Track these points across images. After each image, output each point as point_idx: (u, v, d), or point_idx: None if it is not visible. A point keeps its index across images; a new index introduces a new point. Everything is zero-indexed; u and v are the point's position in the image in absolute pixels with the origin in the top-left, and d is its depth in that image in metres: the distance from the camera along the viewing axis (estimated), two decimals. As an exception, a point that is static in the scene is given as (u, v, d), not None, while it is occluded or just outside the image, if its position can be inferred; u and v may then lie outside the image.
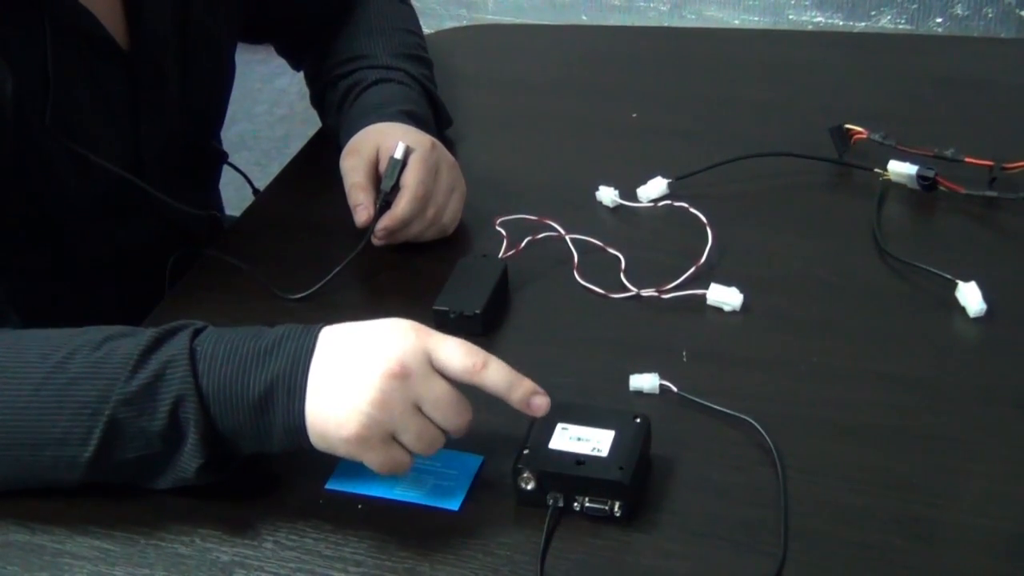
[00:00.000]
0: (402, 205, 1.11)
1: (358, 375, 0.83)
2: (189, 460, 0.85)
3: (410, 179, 1.11)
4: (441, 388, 0.84)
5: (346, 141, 1.18)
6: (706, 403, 0.94)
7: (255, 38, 1.36)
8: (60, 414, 0.85)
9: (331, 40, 1.33)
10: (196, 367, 0.85)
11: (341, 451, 0.85)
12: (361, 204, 1.13)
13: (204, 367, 0.85)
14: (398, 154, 1.12)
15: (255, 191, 1.34)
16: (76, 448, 0.85)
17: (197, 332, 0.87)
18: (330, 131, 1.31)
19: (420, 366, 0.83)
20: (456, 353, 0.84)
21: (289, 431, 0.85)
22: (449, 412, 0.84)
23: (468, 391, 0.85)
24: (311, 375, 0.84)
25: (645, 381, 0.96)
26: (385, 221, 1.12)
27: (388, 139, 1.14)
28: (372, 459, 0.84)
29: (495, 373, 0.85)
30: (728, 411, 0.93)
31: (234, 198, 1.44)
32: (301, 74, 1.40)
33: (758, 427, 0.91)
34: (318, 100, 1.34)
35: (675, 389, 0.96)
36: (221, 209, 1.42)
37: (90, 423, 0.84)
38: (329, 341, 0.85)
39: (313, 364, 0.84)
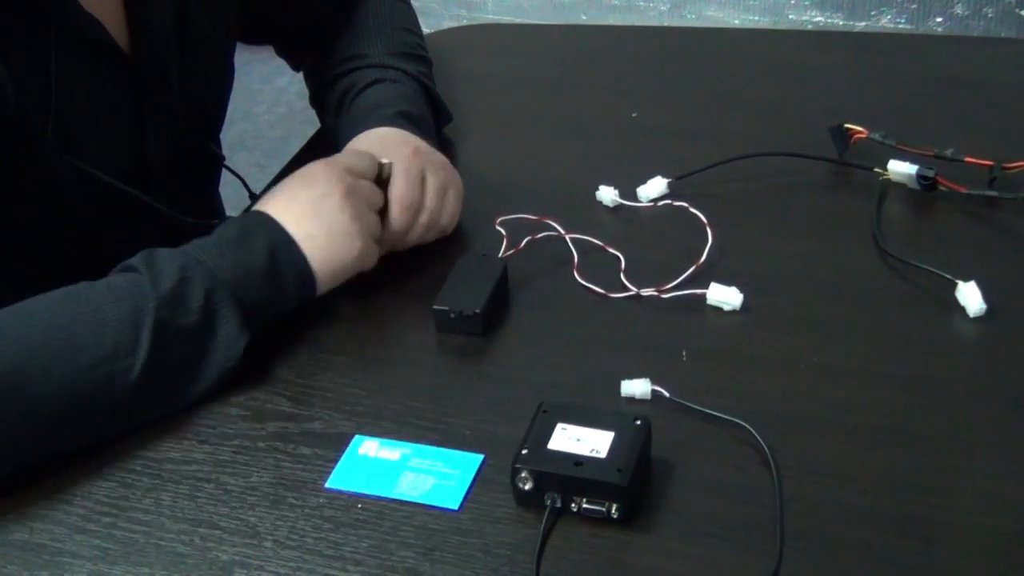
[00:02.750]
0: (392, 219, 1.11)
1: (327, 210, 1.03)
2: (233, 343, 0.97)
3: (395, 193, 1.10)
4: (365, 184, 1.07)
5: (344, 145, 1.18)
6: (699, 408, 0.94)
7: (254, 39, 1.36)
8: (104, 332, 0.92)
9: (330, 40, 1.33)
10: (208, 264, 0.97)
11: (353, 269, 1.05)
12: None
13: (214, 263, 0.98)
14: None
15: (251, 195, 1.33)
16: (127, 360, 0.92)
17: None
18: (329, 132, 1.31)
19: (351, 179, 1.05)
20: (358, 159, 1.08)
21: (299, 279, 1.01)
22: (374, 197, 1.07)
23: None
24: (292, 232, 1.01)
25: (637, 387, 0.95)
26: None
27: (380, 148, 1.14)
28: (374, 256, 1.07)
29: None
30: (722, 415, 0.93)
31: (233, 198, 1.44)
32: (301, 74, 1.40)
33: (752, 430, 0.91)
34: (317, 100, 1.34)
35: (667, 395, 0.95)
36: (222, 213, 1.42)
37: (135, 332, 0.93)
38: (280, 208, 1.03)
39: (285, 225, 1.02)
